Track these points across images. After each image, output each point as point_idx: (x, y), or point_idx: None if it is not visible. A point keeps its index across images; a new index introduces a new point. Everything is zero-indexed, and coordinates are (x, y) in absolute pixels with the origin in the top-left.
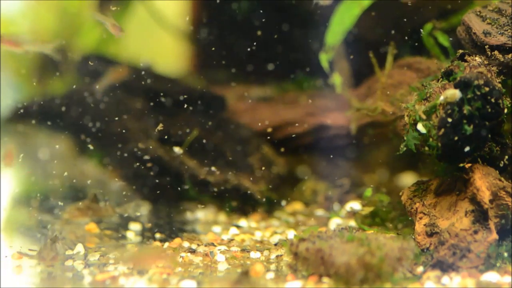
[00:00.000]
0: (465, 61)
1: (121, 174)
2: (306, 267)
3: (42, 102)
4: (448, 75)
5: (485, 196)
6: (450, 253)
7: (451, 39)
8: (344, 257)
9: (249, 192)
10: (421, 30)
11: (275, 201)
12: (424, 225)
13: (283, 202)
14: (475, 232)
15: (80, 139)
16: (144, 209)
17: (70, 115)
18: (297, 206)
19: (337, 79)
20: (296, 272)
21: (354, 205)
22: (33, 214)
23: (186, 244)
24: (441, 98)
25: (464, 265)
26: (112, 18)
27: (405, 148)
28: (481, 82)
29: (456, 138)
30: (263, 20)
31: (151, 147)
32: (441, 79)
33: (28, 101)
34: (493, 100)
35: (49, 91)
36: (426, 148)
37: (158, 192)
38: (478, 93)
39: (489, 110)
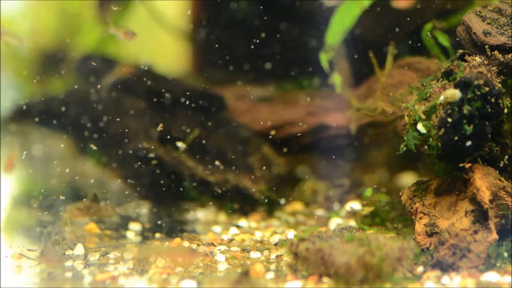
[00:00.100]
0: (465, 61)
1: (121, 174)
2: (306, 267)
3: (42, 102)
4: (448, 75)
5: (485, 196)
6: (450, 253)
7: (451, 39)
8: (344, 257)
9: (249, 192)
10: (428, 33)
11: (275, 201)
12: (424, 225)
13: (283, 202)
14: (475, 232)
15: (80, 139)
16: (144, 209)
17: (70, 114)
18: (297, 206)
19: (337, 79)
20: (296, 272)
21: (354, 205)
22: (33, 214)
23: (186, 244)
24: (441, 98)
25: (464, 265)
26: (123, 27)
27: (405, 148)
28: (481, 82)
29: (456, 138)
30: (263, 20)
31: (151, 147)
32: (441, 79)
33: (28, 101)
34: (493, 100)
35: (49, 91)
36: (426, 148)
37: (158, 192)
38: (478, 93)
39: (489, 110)
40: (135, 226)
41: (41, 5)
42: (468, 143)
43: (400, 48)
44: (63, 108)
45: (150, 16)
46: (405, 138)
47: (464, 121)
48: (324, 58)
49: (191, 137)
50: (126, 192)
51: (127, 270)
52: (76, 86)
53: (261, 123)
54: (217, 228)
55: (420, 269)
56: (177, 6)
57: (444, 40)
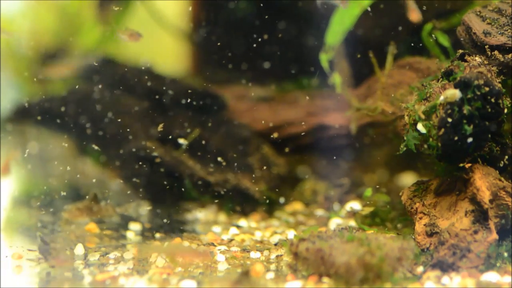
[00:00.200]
0: (465, 61)
1: (121, 174)
2: (306, 267)
3: (41, 102)
4: (448, 75)
5: (485, 196)
6: (450, 253)
7: (451, 39)
8: (344, 257)
9: (249, 192)
10: (433, 35)
11: (275, 201)
12: (424, 225)
13: (283, 202)
14: (475, 232)
15: (80, 138)
16: (144, 209)
17: (70, 114)
18: (297, 206)
19: (337, 79)
20: (296, 272)
21: (354, 205)
22: (33, 214)
23: (186, 244)
24: (441, 98)
25: (464, 265)
26: (128, 29)
27: (405, 148)
28: (481, 82)
29: (456, 138)
30: (263, 20)
31: (151, 147)
32: (441, 79)
33: (28, 100)
34: (493, 100)
35: (49, 90)
36: (426, 148)
37: (158, 192)
38: (478, 93)
39: (489, 110)
40: (135, 226)
41: (41, 5)
42: (470, 139)
43: (400, 48)
44: (63, 108)
45: (150, 16)
46: (405, 138)
47: (464, 121)
48: (324, 58)
49: (192, 136)
50: (128, 192)
51: (127, 270)
52: (77, 86)
53: (261, 123)
54: (217, 228)
55: (420, 269)
56: (177, 6)
57: (444, 40)
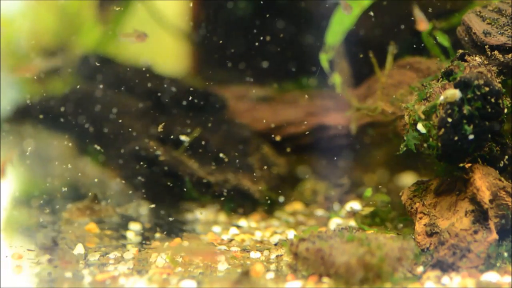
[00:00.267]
0: (465, 61)
1: (121, 174)
2: (306, 267)
3: (41, 102)
4: (448, 75)
5: (485, 196)
6: (450, 253)
7: (451, 39)
8: (344, 257)
9: (249, 192)
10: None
11: (275, 201)
12: (424, 225)
13: (283, 202)
14: (475, 232)
15: (80, 138)
16: (144, 209)
17: (70, 114)
18: (297, 206)
19: (337, 79)
20: (296, 272)
21: (354, 205)
22: (33, 214)
23: (186, 244)
24: (441, 98)
25: (464, 265)
26: (135, 31)
27: (405, 148)
28: (481, 82)
29: (456, 138)
30: (263, 19)
31: (151, 147)
32: (441, 79)
33: (28, 100)
34: (493, 100)
35: (49, 90)
36: (426, 148)
37: (158, 192)
38: (478, 93)
39: (489, 110)
40: (135, 226)
41: (41, 5)
42: (471, 136)
43: (400, 48)
44: (62, 108)
45: (150, 16)
46: (405, 138)
47: (464, 121)
48: (324, 58)
49: (193, 136)
50: (128, 192)
51: (127, 270)
52: (78, 87)
53: (262, 123)
54: (217, 228)
55: (420, 269)
56: (177, 6)
57: (444, 40)
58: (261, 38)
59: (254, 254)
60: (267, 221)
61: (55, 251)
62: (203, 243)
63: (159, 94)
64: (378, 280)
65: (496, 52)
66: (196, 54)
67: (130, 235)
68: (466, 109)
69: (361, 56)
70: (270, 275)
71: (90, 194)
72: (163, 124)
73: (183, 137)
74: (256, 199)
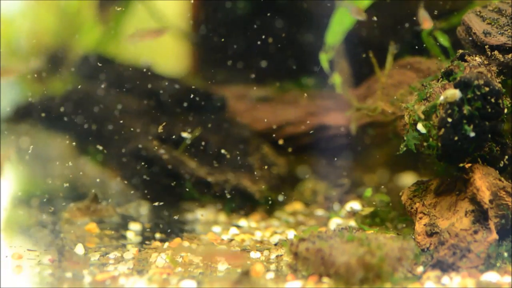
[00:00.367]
0: (465, 61)
1: (122, 173)
2: (306, 267)
3: (42, 102)
4: (448, 75)
5: (485, 196)
6: (450, 253)
7: (451, 39)
8: (344, 257)
9: (249, 192)
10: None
11: (275, 201)
12: (424, 225)
13: (283, 202)
14: (475, 232)
15: (80, 138)
16: (144, 209)
17: (70, 114)
18: (297, 206)
19: (337, 79)
20: (296, 272)
21: (354, 205)
22: (33, 214)
23: (186, 244)
24: (441, 98)
25: (464, 265)
26: (149, 31)
27: (405, 148)
28: (481, 82)
29: (456, 138)
30: (263, 19)
31: (151, 147)
32: (441, 79)
33: (28, 100)
34: (493, 100)
35: (49, 90)
36: (426, 148)
37: (158, 192)
38: (478, 93)
39: (489, 110)
40: (135, 226)
41: (41, 5)
42: (472, 134)
43: (400, 48)
44: (62, 108)
45: (150, 16)
46: (405, 138)
47: (464, 121)
48: (324, 58)
49: (193, 136)
50: (128, 192)
51: (127, 270)
52: (79, 87)
53: (262, 123)
54: (217, 228)
55: (420, 269)
56: (177, 6)
57: (444, 40)
58: (261, 38)
59: (254, 254)
60: (267, 221)
61: (62, 252)
62: (203, 243)
63: (159, 94)
64: (378, 280)
65: (496, 52)
66: (196, 54)
67: (130, 235)
68: (466, 109)
69: (361, 56)
70: (270, 275)
71: (90, 194)
72: (163, 124)
73: (184, 134)
74: (256, 199)
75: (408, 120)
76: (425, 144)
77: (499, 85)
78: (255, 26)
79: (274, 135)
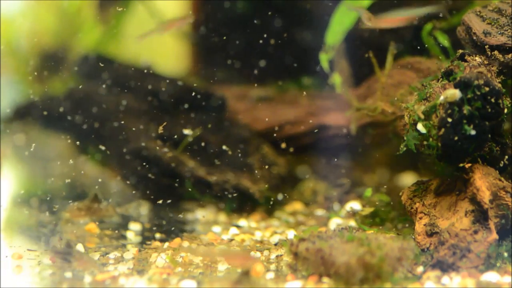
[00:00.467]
0: (465, 61)
1: (121, 174)
2: (306, 267)
3: (42, 102)
4: (448, 75)
5: (485, 196)
6: (450, 253)
7: (451, 39)
8: (344, 257)
9: (249, 192)
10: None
11: (275, 201)
12: (424, 225)
13: (283, 202)
14: (475, 232)
15: (80, 138)
16: (144, 209)
17: (70, 114)
18: (297, 206)
19: (337, 79)
20: (296, 272)
21: (354, 205)
22: (33, 214)
23: (186, 244)
24: (441, 98)
25: (464, 265)
26: (173, 20)
27: (405, 148)
28: (481, 82)
29: (456, 138)
30: (263, 19)
31: (151, 147)
32: (441, 79)
33: (27, 100)
34: (493, 100)
35: (49, 90)
36: (426, 148)
37: (158, 192)
38: (478, 93)
39: (489, 110)
40: (135, 226)
41: (41, 5)
42: (473, 132)
43: (400, 48)
44: (62, 108)
45: (150, 16)
46: (405, 138)
47: (464, 121)
48: (324, 58)
49: (193, 135)
50: (128, 192)
51: (127, 270)
52: (80, 87)
53: (262, 123)
54: (217, 228)
55: (420, 269)
56: (177, 6)
57: (444, 40)
58: (261, 37)
59: (254, 254)
60: (267, 221)
61: (70, 253)
62: (204, 243)
63: (159, 94)
64: (378, 280)
65: (496, 52)
66: (196, 54)
67: (130, 235)
68: (466, 109)
69: (361, 56)
70: (270, 275)
71: (90, 194)
72: (163, 124)
73: (186, 131)
74: (256, 199)
75: (408, 120)
76: (425, 144)
77: (499, 85)
78: (255, 26)
79: (274, 135)
